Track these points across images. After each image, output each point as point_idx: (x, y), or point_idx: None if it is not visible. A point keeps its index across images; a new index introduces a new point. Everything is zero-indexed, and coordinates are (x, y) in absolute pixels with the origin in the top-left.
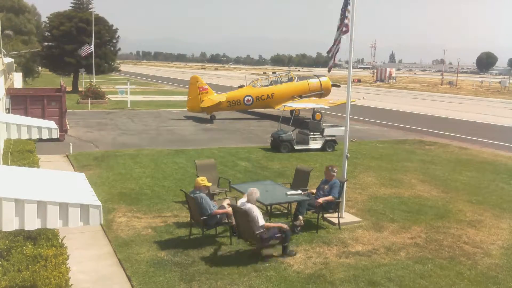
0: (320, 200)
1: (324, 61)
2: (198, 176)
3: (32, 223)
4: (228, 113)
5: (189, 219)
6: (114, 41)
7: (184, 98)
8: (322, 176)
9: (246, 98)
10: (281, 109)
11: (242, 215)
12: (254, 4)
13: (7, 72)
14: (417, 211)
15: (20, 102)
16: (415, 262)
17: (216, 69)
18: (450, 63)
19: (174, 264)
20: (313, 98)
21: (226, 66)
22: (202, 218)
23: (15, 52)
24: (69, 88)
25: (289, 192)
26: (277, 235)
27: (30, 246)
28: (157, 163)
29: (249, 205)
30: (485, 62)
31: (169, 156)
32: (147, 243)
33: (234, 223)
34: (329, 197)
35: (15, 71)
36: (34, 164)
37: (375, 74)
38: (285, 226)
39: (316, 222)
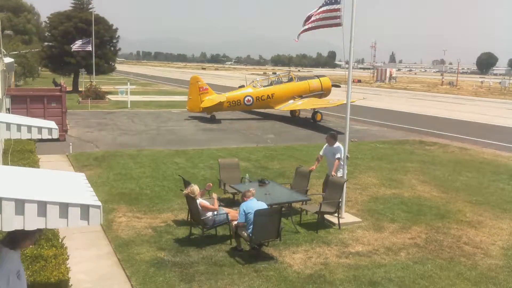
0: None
1: (324, 62)
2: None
3: (32, 223)
4: (228, 113)
5: (189, 219)
6: (114, 41)
7: (184, 98)
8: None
9: (246, 99)
10: (281, 109)
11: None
12: (254, 4)
13: (7, 72)
14: (417, 211)
15: (20, 102)
16: (415, 263)
17: (216, 69)
18: (450, 63)
19: (174, 264)
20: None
21: (227, 65)
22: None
23: (15, 52)
24: (69, 88)
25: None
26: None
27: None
28: (157, 163)
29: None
30: (485, 63)
31: (169, 156)
32: (147, 243)
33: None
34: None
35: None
36: (34, 164)
37: (375, 74)
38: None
39: (316, 222)
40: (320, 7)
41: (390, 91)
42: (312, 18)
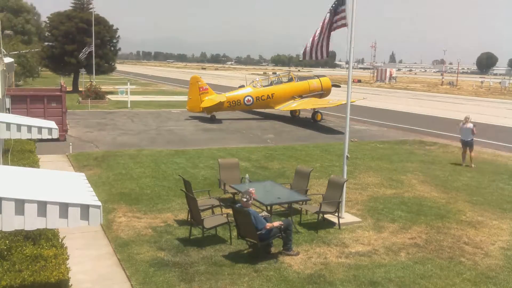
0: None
1: (324, 62)
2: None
3: (32, 223)
4: (228, 113)
5: (189, 219)
6: (115, 41)
7: (184, 98)
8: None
9: (246, 98)
10: (281, 109)
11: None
12: (254, 4)
13: (7, 72)
14: (417, 211)
15: (20, 102)
16: (415, 263)
17: (216, 69)
18: (450, 63)
19: (174, 264)
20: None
21: (227, 65)
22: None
23: (15, 52)
24: (69, 88)
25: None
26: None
27: (30, 246)
28: (157, 163)
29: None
30: (485, 63)
31: (169, 156)
32: (147, 243)
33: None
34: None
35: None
36: (34, 164)
37: (375, 74)
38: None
39: (316, 222)
40: (328, 17)
41: (390, 91)
42: (323, 31)
